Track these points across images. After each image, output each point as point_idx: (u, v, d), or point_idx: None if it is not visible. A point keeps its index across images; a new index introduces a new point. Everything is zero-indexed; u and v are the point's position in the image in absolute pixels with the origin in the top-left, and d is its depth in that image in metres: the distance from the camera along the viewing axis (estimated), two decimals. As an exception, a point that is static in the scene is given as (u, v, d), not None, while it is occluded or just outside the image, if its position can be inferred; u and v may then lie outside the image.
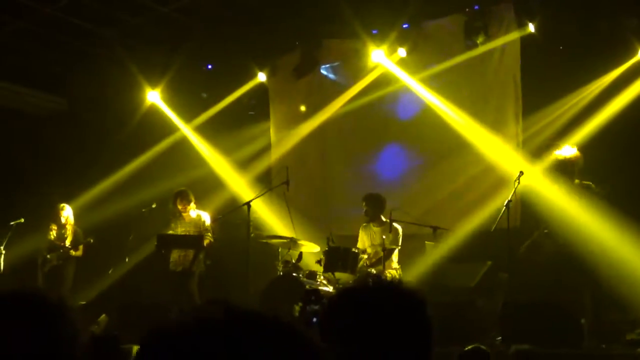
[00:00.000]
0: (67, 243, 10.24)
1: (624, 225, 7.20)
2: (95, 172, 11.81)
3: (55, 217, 10.37)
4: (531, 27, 9.56)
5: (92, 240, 10.30)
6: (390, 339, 1.74)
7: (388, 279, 7.43)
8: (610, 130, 8.82)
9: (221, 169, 12.00)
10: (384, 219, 9.20)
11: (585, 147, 8.77)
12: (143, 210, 10.49)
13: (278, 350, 1.13)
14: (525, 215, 9.08)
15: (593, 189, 7.77)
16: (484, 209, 9.31)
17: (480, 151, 9.94)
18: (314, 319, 2.61)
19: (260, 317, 1.18)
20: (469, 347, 3.80)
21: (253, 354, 1.11)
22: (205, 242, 9.63)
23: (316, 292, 2.30)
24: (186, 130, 12.32)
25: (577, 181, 7.84)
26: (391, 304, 1.79)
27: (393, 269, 8.98)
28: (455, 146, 10.23)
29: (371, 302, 1.81)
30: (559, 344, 6.72)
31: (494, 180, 9.63)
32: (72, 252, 10.25)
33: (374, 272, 8.73)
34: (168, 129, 12.29)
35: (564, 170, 7.90)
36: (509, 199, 7.93)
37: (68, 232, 10.33)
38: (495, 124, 10.03)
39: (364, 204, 9.34)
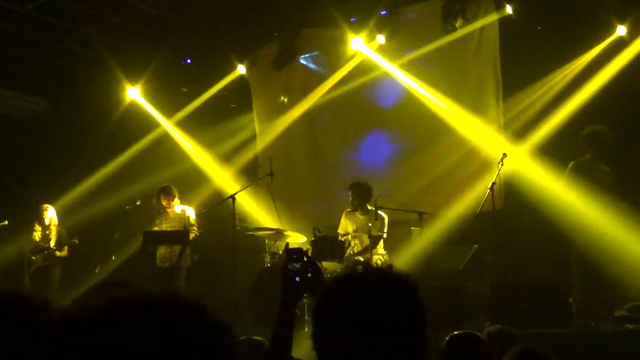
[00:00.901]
0: (52, 244, 10.18)
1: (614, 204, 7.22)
2: (77, 172, 11.73)
3: (38, 218, 10.30)
4: (509, 9, 9.56)
5: (77, 241, 10.24)
6: (385, 325, 1.73)
7: (378, 265, 7.41)
8: (591, 109, 8.83)
9: (205, 163, 11.96)
10: (369, 207, 9.16)
11: (567, 127, 8.81)
12: (127, 207, 10.43)
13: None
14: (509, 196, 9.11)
15: (610, 181, 7.69)
16: (469, 193, 9.33)
17: (462, 135, 9.94)
18: (297, 278, 2.59)
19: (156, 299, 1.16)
20: (457, 332, 3.78)
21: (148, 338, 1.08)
22: (191, 236, 9.61)
23: (298, 250, 2.30)
24: (168, 125, 12.26)
25: (602, 166, 7.77)
26: (383, 290, 1.78)
27: (380, 255, 8.98)
28: (437, 131, 10.23)
29: (363, 289, 1.79)
30: (548, 323, 6.76)
31: (477, 163, 9.66)
32: (57, 253, 10.19)
33: (362, 259, 8.73)
34: (149, 125, 12.23)
35: (596, 144, 7.76)
36: (493, 181, 7.96)
37: (52, 233, 10.27)
38: (476, 107, 10.00)
39: (350, 193, 9.25)
